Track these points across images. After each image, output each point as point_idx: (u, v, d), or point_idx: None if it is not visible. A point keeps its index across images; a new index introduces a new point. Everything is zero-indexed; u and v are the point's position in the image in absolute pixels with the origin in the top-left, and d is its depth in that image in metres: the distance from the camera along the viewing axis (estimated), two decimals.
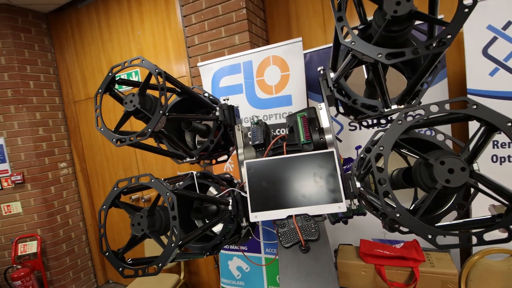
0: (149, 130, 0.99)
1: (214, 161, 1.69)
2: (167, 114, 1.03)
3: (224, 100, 1.51)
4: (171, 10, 2.74)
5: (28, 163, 3.28)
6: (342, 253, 1.89)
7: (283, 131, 2.15)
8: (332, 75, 1.18)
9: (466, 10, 0.71)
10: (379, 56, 0.73)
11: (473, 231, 0.67)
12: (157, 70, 1.03)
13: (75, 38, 3.44)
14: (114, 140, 1.04)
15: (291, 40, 2.04)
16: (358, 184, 1.08)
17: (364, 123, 1.51)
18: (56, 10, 3.47)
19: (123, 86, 2.70)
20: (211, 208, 1.35)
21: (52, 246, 3.40)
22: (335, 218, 1.29)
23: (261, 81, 2.19)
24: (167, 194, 0.91)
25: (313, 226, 1.05)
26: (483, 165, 1.58)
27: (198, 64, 2.40)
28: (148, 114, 1.04)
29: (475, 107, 0.66)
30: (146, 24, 2.93)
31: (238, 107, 1.65)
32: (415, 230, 0.64)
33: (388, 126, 0.81)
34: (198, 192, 1.30)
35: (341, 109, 1.37)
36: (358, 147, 2.21)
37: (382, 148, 0.70)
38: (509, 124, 0.64)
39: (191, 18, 2.50)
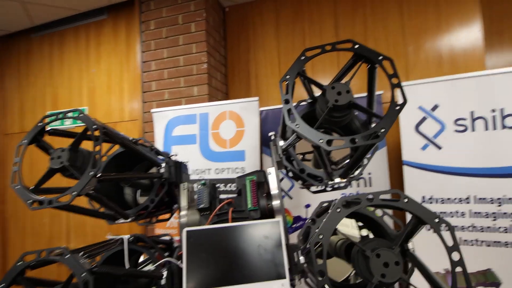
0: (74, 193, 0.87)
1: (154, 219, 1.54)
2: (98, 175, 0.93)
3: (172, 156, 1.44)
4: (131, 54, 2.71)
5: None
6: None
7: (229, 186, 2.10)
8: (281, 143, 1.20)
9: (397, 107, 0.78)
10: (320, 141, 0.75)
11: None
12: (94, 127, 0.95)
13: (20, 67, 3.19)
14: (29, 202, 0.88)
15: (248, 99, 2.11)
16: (302, 259, 1.04)
17: (312, 188, 1.53)
18: (5, 36, 3.24)
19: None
20: (142, 281, 1.19)
21: None
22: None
23: (216, 134, 2.17)
24: (82, 275, 0.77)
25: None
26: None
27: (152, 110, 2.33)
28: (76, 174, 0.92)
29: (406, 200, 0.69)
30: (103, 63, 2.84)
31: (187, 162, 1.58)
32: None
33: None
34: (128, 260, 1.15)
35: (290, 173, 1.37)
36: (307, 206, 2.23)
37: (321, 236, 0.68)
38: (437, 220, 0.67)
39: (150, 64, 2.49)
